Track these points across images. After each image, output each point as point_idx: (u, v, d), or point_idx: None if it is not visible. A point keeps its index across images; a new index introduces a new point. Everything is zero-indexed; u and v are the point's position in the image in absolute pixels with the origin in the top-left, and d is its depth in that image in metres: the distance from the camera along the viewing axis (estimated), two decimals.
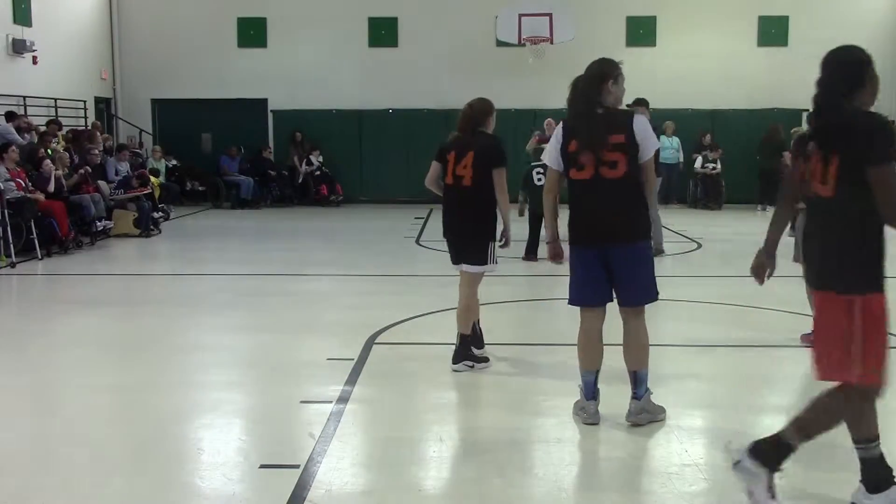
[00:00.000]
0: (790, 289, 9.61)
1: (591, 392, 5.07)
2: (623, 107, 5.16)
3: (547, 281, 10.11)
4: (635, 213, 4.84)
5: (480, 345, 6.35)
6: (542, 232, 11.11)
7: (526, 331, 7.69)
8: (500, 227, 6.22)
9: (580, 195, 4.86)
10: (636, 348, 5.00)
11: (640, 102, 10.99)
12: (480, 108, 6.17)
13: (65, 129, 15.25)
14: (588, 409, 5.05)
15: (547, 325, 8.06)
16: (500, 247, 6.23)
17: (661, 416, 5.06)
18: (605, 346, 5.10)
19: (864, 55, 3.83)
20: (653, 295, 4.97)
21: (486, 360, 6.24)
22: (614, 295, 4.97)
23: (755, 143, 18.18)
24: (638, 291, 4.93)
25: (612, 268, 4.85)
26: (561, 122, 5.06)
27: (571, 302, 5.09)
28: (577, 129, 4.83)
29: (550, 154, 4.98)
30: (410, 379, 6.11)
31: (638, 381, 5.00)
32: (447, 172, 6.15)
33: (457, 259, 6.26)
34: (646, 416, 4.99)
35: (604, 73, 4.92)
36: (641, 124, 4.83)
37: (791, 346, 6.92)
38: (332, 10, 19.23)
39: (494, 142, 6.15)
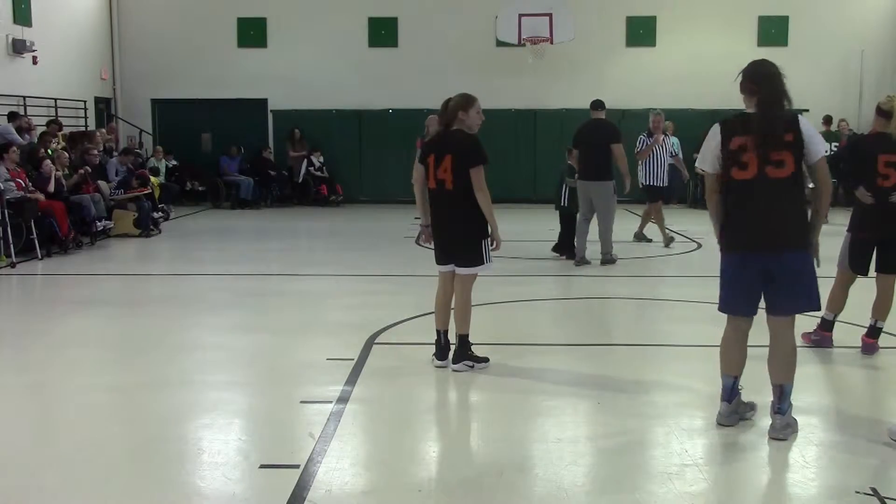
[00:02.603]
0: None
1: (727, 394, 4.92)
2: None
3: (547, 281, 10.11)
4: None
5: (443, 356, 6.20)
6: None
7: (525, 331, 7.68)
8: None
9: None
10: (783, 358, 4.83)
11: (596, 106, 10.91)
12: (457, 103, 6.05)
13: (65, 129, 15.23)
14: (721, 409, 4.95)
15: (546, 326, 8.05)
16: (492, 249, 6.16)
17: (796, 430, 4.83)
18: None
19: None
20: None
21: (485, 360, 6.23)
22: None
23: None
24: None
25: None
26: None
27: None
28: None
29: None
30: (410, 379, 6.10)
31: (783, 394, 4.80)
32: (428, 176, 6.11)
33: (444, 259, 6.23)
34: (790, 430, 4.80)
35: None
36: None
37: None
38: (332, 10, 19.24)
39: (470, 140, 6.02)
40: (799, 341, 6.70)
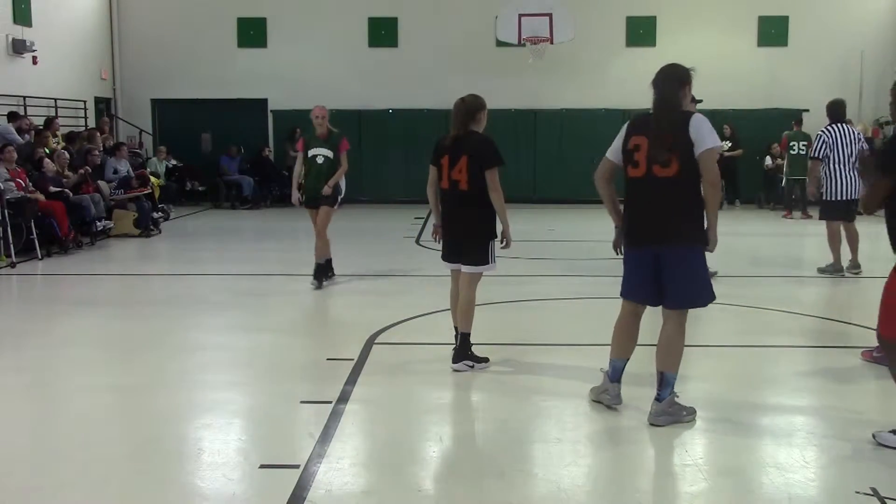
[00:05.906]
0: (789, 289, 9.63)
1: (617, 376, 5.31)
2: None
3: (547, 281, 10.11)
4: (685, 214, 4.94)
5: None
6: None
7: (525, 331, 7.68)
8: (500, 228, 6.23)
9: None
10: (666, 350, 5.11)
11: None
12: (473, 104, 6.11)
13: (62, 129, 15.22)
14: (612, 391, 5.29)
15: (546, 326, 8.05)
16: (502, 248, 6.23)
17: (688, 418, 5.10)
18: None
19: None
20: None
21: (485, 360, 6.24)
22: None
23: (755, 144, 18.24)
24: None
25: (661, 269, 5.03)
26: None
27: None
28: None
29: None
30: (410, 379, 6.11)
31: (663, 383, 5.06)
32: (442, 177, 6.16)
33: (451, 257, 6.28)
34: (666, 418, 5.04)
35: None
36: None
37: (790, 345, 6.92)
38: (332, 10, 19.24)
39: (487, 142, 6.09)
40: (859, 358, 6.36)
